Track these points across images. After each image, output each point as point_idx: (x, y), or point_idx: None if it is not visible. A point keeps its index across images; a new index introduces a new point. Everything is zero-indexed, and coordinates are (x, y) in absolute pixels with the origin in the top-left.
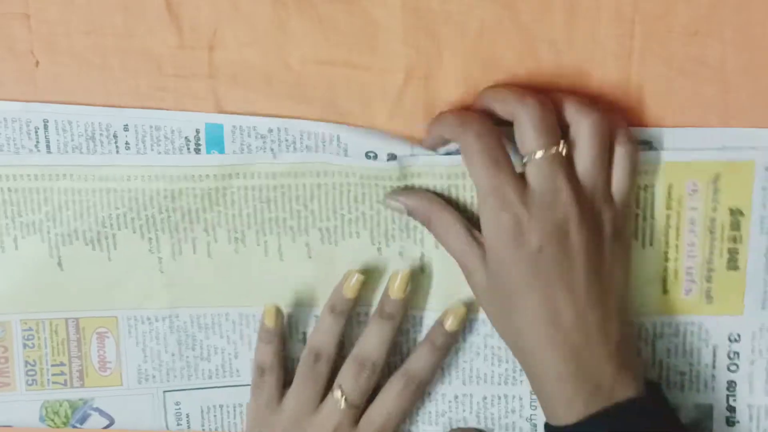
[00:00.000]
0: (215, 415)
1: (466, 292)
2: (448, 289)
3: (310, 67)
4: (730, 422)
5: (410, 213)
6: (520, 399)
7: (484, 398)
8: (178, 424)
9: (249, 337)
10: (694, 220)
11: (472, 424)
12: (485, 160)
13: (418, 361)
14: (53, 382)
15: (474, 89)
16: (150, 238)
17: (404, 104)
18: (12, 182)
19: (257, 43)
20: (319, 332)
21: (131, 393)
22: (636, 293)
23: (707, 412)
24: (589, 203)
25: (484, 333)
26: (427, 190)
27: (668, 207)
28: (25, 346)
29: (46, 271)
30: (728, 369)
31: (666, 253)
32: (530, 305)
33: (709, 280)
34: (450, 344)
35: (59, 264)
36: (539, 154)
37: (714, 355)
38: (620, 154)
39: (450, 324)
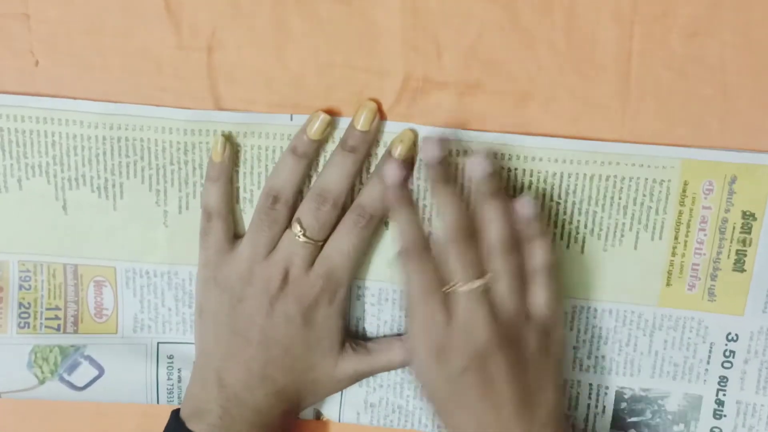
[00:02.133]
0: None
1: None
2: None
3: (309, 67)
4: (717, 415)
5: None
6: None
7: None
8: (168, 379)
9: None
10: (705, 219)
11: None
12: (422, 288)
13: (368, 194)
14: (46, 326)
15: (474, 90)
16: (158, 190)
17: (403, 105)
18: (19, 123)
19: (256, 44)
20: (278, 174)
21: (125, 342)
22: (639, 282)
23: (695, 402)
24: (509, 327)
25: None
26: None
27: (681, 203)
28: (21, 287)
29: (49, 213)
30: (722, 365)
31: (674, 248)
32: (456, 422)
33: (714, 278)
34: (400, 174)
35: (64, 207)
36: (462, 287)
37: (710, 351)
38: (537, 271)
39: (399, 152)
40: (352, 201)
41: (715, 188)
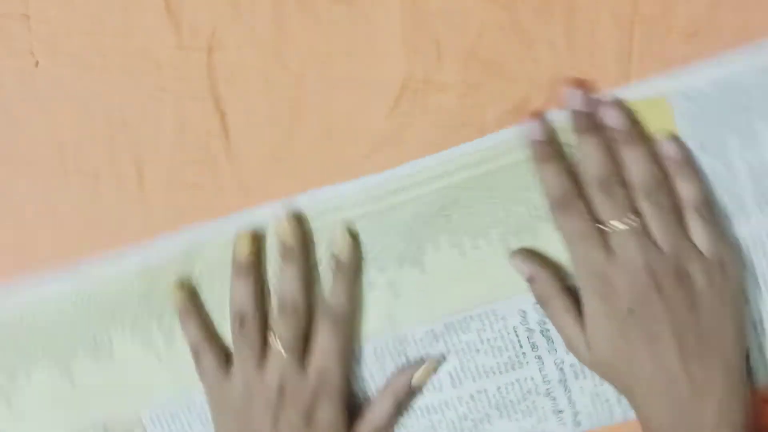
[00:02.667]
0: None
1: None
2: (423, 306)
3: (309, 67)
4: None
5: (529, 281)
6: (532, 379)
7: (498, 389)
8: None
9: None
10: None
11: (495, 417)
12: (580, 233)
13: (336, 295)
14: None
15: (474, 90)
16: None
17: (403, 105)
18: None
19: (256, 44)
20: (235, 297)
21: None
22: None
23: None
24: (672, 263)
25: (476, 328)
26: (549, 264)
27: None
28: None
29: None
30: None
31: None
32: (634, 365)
33: None
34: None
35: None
36: (618, 225)
37: None
38: (692, 207)
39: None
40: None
41: None
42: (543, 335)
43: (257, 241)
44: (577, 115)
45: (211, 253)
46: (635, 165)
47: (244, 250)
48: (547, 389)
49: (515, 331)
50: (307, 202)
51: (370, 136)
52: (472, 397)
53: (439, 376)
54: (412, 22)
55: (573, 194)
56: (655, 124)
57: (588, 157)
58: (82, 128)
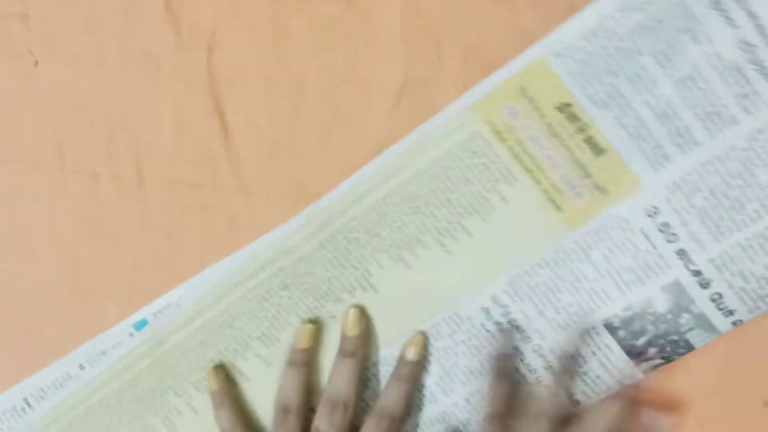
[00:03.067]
0: None
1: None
2: (389, 328)
3: (309, 67)
4: (704, 284)
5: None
6: (518, 371)
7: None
8: None
9: None
10: (533, 137)
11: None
12: None
13: (388, 398)
14: None
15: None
16: None
17: (403, 105)
18: None
19: (256, 44)
20: (284, 387)
21: None
22: (539, 226)
23: (677, 288)
24: None
25: (447, 333)
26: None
27: (503, 140)
28: None
29: None
30: (668, 241)
31: (535, 177)
32: None
33: (588, 175)
34: (415, 373)
35: None
36: None
37: (646, 237)
38: None
39: (412, 354)
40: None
41: (516, 108)
42: (512, 325)
43: (318, 334)
44: (495, 355)
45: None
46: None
47: (304, 342)
48: (536, 378)
49: (484, 328)
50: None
51: (370, 136)
52: (467, 400)
53: (430, 389)
54: (412, 22)
55: (504, 417)
56: (546, 93)
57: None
58: (81, 128)
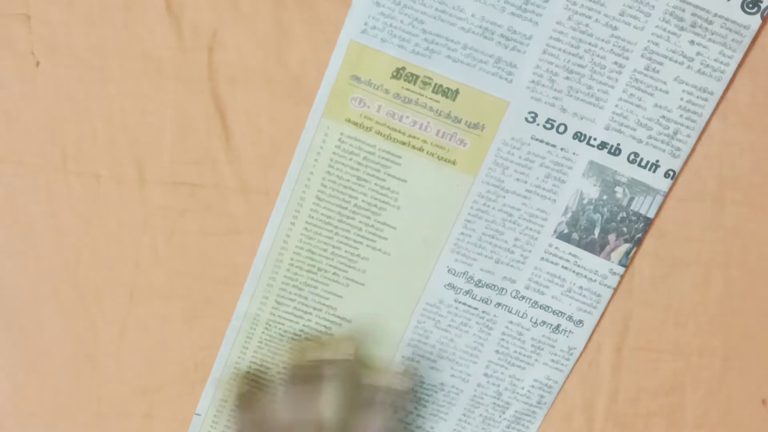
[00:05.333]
0: None
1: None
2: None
3: (309, 68)
4: (615, 151)
5: None
6: (511, 322)
7: (497, 352)
8: None
9: None
10: (391, 112)
11: (518, 372)
12: None
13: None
14: None
15: None
16: None
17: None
18: None
19: (257, 45)
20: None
21: None
22: (442, 185)
23: (597, 168)
24: None
25: (433, 325)
26: None
27: (367, 129)
28: None
29: None
30: (560, 132)
31: (415, 146)
32: None
33: (457, 120)
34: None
35: None
36: None
37: (542, 141)
38: None
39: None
40: None
41: (359, 96)
42: (479, 286)
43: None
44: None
45: None
46: None
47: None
48: (532, 321)
49: (460, 302)
50: None
51: None
52: (486, 374)
53: (448, 384)
54: None
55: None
56: (376, 69)
57: None
58: (83, 129)
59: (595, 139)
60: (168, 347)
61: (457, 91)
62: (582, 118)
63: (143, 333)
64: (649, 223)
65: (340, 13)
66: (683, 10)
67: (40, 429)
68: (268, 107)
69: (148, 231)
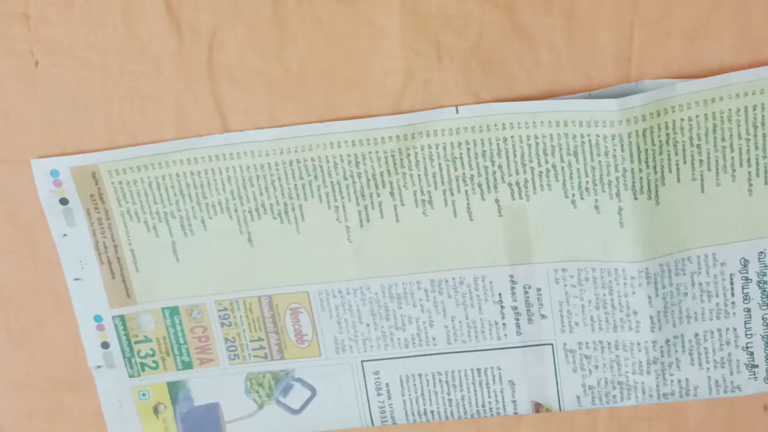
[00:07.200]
0: (414, 384)
1: (673, 238)
2: (645, 242)
3: (309, 68)
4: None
5: None
6: (734, 330)
7: (696, 335)
8: (378, 394)
9: (443, 303)
10: None
11: (685, 362)
12: None
13: None
14: (254, 356)
15: (473, 92)
16: (336, 207)
17: (403, 107)
18: (193, 165)
19: (257, 45)
20: None
21: (330, 363)
22: None
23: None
24: None
25: (691, 271)
26: None
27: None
28: (222, 325)
29: (236, 248)
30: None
31: None
32: None
33: None
34: None
35: (249, 240)
36: None
37: None
38: None
39: None
40: None
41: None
42: (759, 287)
43: None
44: None
45: (435, 127)
46: None
47: None
48: (747, 343)
49: (731, 279)
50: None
51: None
52: (667, 341)
53: (640, 317)
54: (412, 22)
55: None
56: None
57: None
58: (82, 129)
59: None
60: None
61: None
62: None
63: None
64: None
65: (341, 13)
66: None
67: (40, 429)
68: (268, 107)
69: None
